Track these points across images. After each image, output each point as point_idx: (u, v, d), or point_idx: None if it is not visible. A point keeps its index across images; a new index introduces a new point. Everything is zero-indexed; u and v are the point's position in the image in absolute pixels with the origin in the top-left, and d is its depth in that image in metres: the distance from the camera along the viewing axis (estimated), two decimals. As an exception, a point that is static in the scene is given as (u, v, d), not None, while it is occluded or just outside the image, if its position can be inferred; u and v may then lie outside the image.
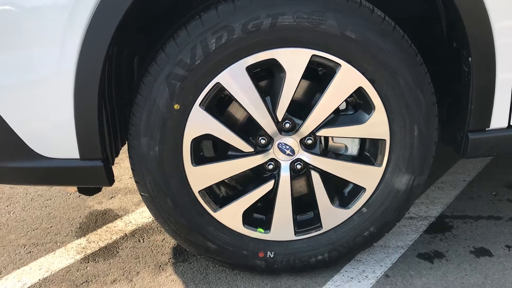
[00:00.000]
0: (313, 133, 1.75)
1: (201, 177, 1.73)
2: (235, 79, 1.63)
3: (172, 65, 1.59)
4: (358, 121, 1.74)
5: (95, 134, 1.58)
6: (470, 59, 1.66)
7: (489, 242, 2.14)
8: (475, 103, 1.72)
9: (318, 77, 1.75)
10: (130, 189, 2.73)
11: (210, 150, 1.88)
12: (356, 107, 1.78)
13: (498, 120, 1.74)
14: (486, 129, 1.76)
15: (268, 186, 1.79)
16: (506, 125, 1.76)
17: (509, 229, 2.23)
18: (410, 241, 2.15)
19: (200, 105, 1.64)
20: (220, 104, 1.77)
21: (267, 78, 1.74)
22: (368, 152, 1.83)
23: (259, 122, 1.71)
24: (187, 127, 1.65)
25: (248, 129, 1.77)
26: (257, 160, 1.75)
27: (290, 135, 1.75)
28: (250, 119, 1.72)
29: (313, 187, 1.80)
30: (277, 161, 1.77)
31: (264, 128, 1.72)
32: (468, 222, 2.30)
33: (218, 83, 1.63)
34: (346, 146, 1.84)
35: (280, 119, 1.71)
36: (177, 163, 1.69)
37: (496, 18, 1.59)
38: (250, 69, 1.63)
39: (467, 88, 1.72)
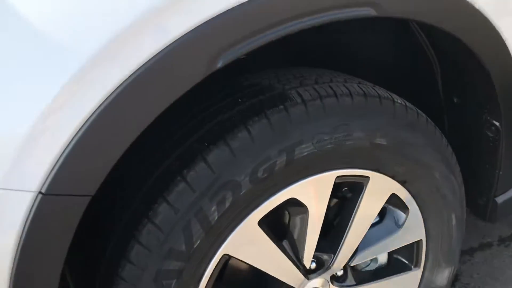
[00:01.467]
0: (346, 265, 1.34)
1: None
2: (244, 245, 1.14)
3: (161, 261, 1.04)
4: (391, 231, 1.38)
5: None
6: (498, 124, 1.38)
7: None
8: (505, 169, 1.46)
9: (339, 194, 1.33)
10: None
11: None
12: (382, 214, 1.40)
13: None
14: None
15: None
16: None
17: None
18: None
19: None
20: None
21: (279, 217, 1.27)
22: (399, 255, 1.48)
23: (281, 278, 1.24)
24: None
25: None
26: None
27: (318, 275, 1.32)
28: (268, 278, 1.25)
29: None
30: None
31: (288, 283, 1.26)
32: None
33: (225, 255, 1.13)
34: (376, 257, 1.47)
35: (307, 266, 1.27)
36: None
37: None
38: (263, 222, 1.15)
39: (492, 154, 1.45)
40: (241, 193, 1.07)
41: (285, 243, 1.24)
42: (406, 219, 1.36)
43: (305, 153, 1.11)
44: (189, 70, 0.91)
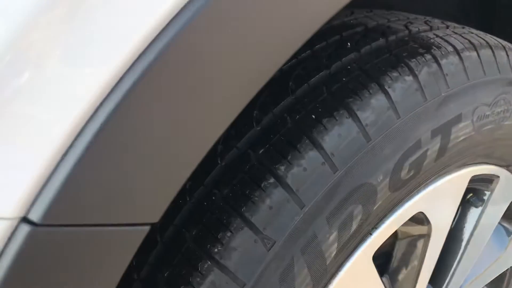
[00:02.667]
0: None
1: None
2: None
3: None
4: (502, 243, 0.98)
5: None
6: None
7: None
8: None
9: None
10: None
11: None
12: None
13: None
14: None
15: None
16: None
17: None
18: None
19: None
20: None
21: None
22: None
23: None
24: None
25: None
26: None
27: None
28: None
29: None
30: None
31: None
32: None
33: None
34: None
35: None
36: None
37: None
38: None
39: None
40: (374, 207, 0.60)
41: (385, 280, 0.79)
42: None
43: (461, 138, 0.67)
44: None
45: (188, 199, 0.57)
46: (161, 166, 0.42)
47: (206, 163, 0.60)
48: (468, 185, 0.84)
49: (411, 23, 0.73)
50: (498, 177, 0.84)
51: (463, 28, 0.78)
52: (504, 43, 0.78)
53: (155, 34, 0.39)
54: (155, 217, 0.42)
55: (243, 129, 0.60)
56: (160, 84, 0.40)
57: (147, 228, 0.42)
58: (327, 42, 0.68)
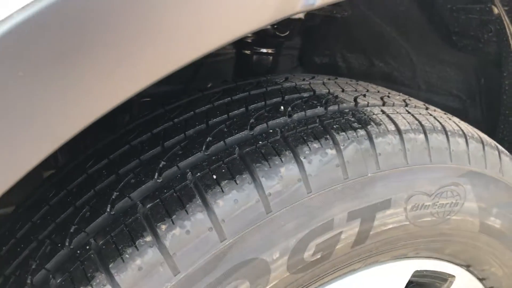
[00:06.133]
0: None
1: None
2: None
3: None
4: None
5: None
6: None
7: None
8: None
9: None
10: None
11: None
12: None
13: None
14: None
15: None
16: None
17: None
18: None
19: None
20: None
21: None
22: None
23: None
24: None
25: None
26: None
27: None
28: None
29: None
30: None
31: None
32: None
33: None
34: None
35: None
36: None
37: None
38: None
39: None
40: (266, 287, 0.54)
41: None
42: None
43: (390, 226, 0.60)
44: None
45: (67, 244, 0.53)
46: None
47: (95, 210, 0.57)
48: (420, 280, 0.76)
49: (365, 96, 0.69)
50: (454, 276, 0.76)
51: (426, 109, 0.72)
52: (472, 132, 0.71)
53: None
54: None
55: (143, 179, 0.56)
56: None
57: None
58: (265, 103, 0.65)
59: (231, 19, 0.44)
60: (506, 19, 0.91)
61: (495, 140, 0.84)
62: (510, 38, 0.95)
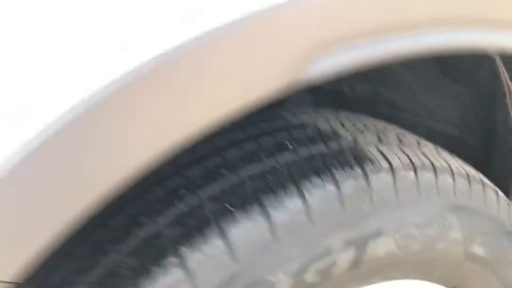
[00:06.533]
0: None
1: None
2: None
3: None
4: None
5: None
6: None
7: None
8: None
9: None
10: None
11: None
12: None
13: None
14: None
15: None
16: None
17: None
18: None
19: None
20: None
21: None
22: None
23: None
24: None
25: None
26: None
27: None
28: None
29: None
30: None
31: None
32: None
33: None
34: None
35: None
36: None
37: None
38: None
39: None
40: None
41: None
42: None
43: (381, 253, 0.68)
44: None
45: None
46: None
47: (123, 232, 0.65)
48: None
49: (362, 132, 0.77)
50: (441, 298, 0.83)
51: (418, 144, 0.80)
52: (460, 168, 0.79)
53: None
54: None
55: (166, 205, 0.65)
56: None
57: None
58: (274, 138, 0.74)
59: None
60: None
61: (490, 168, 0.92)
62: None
